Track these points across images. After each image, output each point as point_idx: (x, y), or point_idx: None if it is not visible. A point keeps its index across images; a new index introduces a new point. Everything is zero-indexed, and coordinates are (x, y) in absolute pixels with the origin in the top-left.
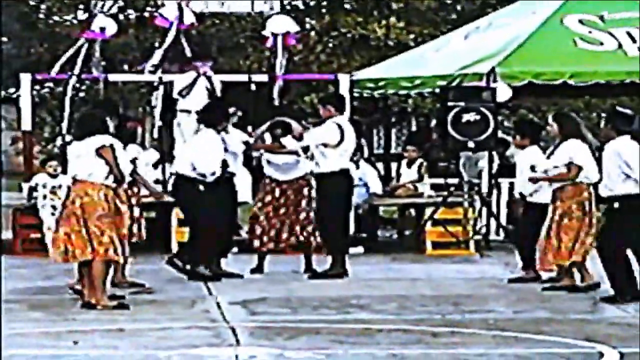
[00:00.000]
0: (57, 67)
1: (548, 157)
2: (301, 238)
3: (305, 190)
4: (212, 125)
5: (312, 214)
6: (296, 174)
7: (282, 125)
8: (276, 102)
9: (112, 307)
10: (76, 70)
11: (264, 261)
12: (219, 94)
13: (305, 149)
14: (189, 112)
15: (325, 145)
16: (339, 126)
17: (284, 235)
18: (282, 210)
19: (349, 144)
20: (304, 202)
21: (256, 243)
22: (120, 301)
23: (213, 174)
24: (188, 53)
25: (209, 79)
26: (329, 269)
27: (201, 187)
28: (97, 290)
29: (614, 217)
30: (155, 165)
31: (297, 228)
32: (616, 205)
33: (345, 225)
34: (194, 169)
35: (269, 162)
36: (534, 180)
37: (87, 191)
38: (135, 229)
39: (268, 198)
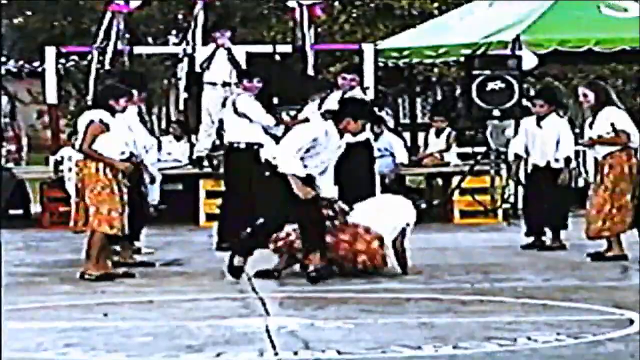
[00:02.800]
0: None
1: (590, 127)
2: None
3: None
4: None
5: None
6: None
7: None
8: (310, 73)
9: (94, 278)
10: (100, 43)
11: None
12: (243, 64)
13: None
14: (214, 84)
15: None
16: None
17: None
18: None
19: None
20: None
21: None
22: (107, 272)
23: None
24: (200, 24)
25: (228, 50)
26: None
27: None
28: (90, 259)
29: None
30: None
31: None
32: None
33: (370, 195)
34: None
35: None
36: (587, 146)
37: (87, 163)
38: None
39: None
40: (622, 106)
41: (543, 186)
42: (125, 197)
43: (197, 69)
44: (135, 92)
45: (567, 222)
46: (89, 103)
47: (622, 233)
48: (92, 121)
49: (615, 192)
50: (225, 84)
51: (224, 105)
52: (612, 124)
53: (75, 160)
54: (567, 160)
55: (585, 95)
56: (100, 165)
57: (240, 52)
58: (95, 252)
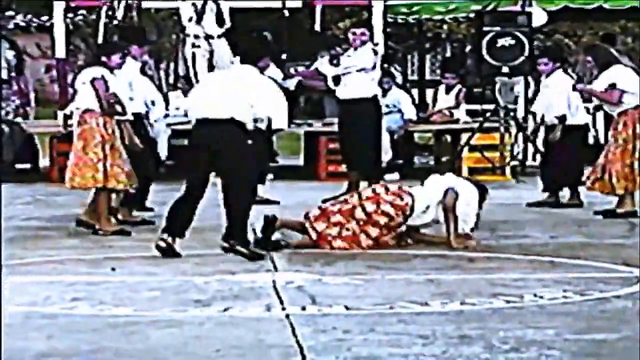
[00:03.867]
0: None
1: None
2: None
3: None
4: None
5: None
6: None
7: None
8: (317, 28)
9: (111, 233)
10: None
11: None
12: (227, 20)
13: (336, 78)
14: (197, 37)
15: (360, 70)
16: (373, 50)
17: None
18: None
19: (378, 70)
20: None
21: None
22: (121, 227)
23: None
24: None
25: (216, 3)
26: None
27: None
28: (100, 216)
29: None
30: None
31: None
32: None
33: (377, 152)
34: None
35: None
36: (583, 92)
37: (86, 119)
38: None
39: None
40: (630, 63)
41: (557, 143)
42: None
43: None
44: (135, 47)
45: (582, 179)
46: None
47: (634, 190)
48: (94, 78)
49: (628, 149)
50: (207, 37)
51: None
52: (613, 83)
53: (76, 115)
54: (562, 117)
55: (588, 61)
56: (100, 120)
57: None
58: (103, 208)
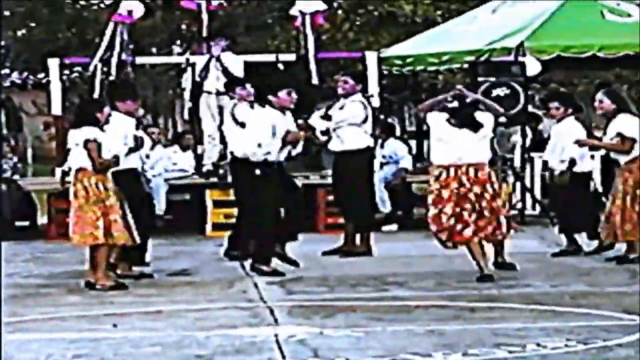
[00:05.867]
0: (100, 52)
1: (604, 133)
2: None
3: None
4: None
5: None
6: None
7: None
8: (315, 81)
9: (108, 288)
10: (101, 54)
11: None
12: (237, 73)
13: (326, 132)
14: (210, 93)
15: (351, 124)
16: (363, 103)
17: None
18: None
19: (370, 121)
20: None
21: None
22: (118, 281)
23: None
24: (204, 33)
25: (217, 58)
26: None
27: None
28: (99, 270)
29: None
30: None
31: None
32: None
33: (373, 202)
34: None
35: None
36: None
37: (80, 178)
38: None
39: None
40: (638, 112)
41: (571, 191)
42: (124, 206)
43: (197, 79)
44: (129, 102)
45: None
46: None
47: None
48: (88, 140)
49: (637, 196)
50: (218, 93)
51: (220, 114)
52: (620, 133)
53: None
54: (571, 162)
55: (600, 102)
56: (93, 179)
57: (236, 61)
58: (103, 263)
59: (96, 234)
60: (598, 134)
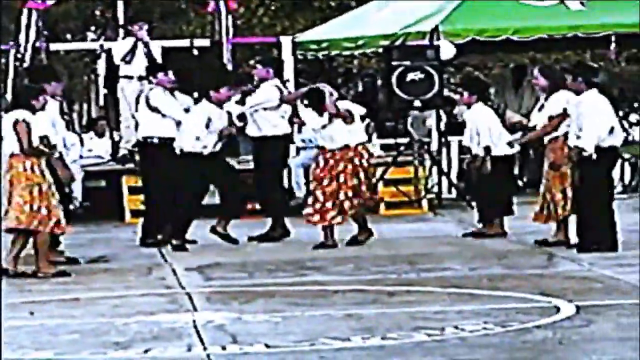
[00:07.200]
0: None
1: (539, 110)
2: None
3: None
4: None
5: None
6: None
7: (316, 93)
8: (229, 67)
9: (51, 275)
10: (19, 41)
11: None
12: (158, 59)
13: (242, 116)
14: (131, 78)
15: (265, 108)
16: (278, 87)
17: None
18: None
19: (286, 106)
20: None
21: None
22: (59, 269)
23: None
24: (120, 19)
25: (146, 44)
26: (270, 231)
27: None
28: (41, 258)
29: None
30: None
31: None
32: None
33: (290, 189)
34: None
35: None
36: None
37: (12, 164)
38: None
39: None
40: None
41: (485, 175)
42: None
43: (118, 62)
44: (54, 83)
45: (512, 209)
46: (9, 102)
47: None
48: (17, 121)
49: (559, 176)
50: (141, 78)
51: (137, 99)
52: (565, 109)
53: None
54: (487, 149)
55: (536, 79)
56: (28, 163)
57: (156, 46)
58: (44, 250)
59: (20, 218)
60: (514, 117)
